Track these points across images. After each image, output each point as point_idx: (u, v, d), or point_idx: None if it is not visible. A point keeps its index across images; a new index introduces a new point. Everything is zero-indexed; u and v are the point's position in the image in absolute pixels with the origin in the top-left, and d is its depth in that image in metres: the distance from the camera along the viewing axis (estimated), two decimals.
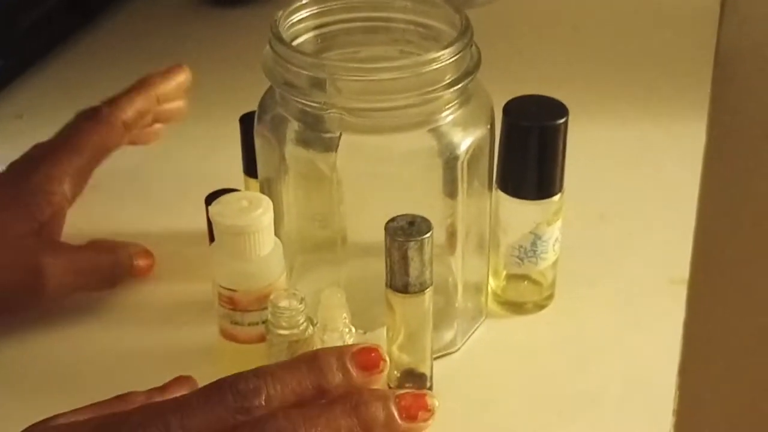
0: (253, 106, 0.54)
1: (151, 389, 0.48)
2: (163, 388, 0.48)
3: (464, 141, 0.50)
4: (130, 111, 0.63)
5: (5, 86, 0.78)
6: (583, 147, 0.67)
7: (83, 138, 0.61)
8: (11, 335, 0.56)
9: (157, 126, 0.67)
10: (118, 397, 0.46)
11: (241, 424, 0.39)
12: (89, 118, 0.62)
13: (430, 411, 0.42)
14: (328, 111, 0.49)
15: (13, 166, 0.60)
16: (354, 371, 0.41)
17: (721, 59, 0.82)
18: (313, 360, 0.41)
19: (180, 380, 0.49)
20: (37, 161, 0.60)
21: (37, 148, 0.61)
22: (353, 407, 0.40)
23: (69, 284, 0.55)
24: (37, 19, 0.80)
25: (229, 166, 0.61)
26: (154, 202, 0.67)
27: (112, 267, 0.57)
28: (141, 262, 0.59)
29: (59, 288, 0.55)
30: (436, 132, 0.50)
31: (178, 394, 0.43)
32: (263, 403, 0.40)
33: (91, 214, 0.66)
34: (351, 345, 0.43)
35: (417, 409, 0.41)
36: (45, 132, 0.74)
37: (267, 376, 0.40)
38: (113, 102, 0.63)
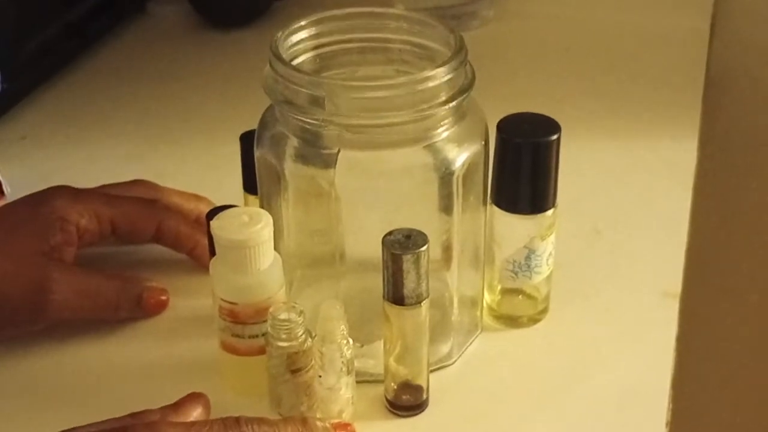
0: (252, 125, 0.55)
1: (164, 407, 0.49)
2: (176, 406, 0.49)
3: (459, 157, 0.51)
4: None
5: (10, 109, 0.79)
6: (577, 163, 0.68)
7: (123, 197, 0.60)
8: (18, 350, 0.57)
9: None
10: (133, 415, 0.47)
11: None
12: (142, 199, 0.61)
13: None
14: (327, 128, 0.50)
15: (43, 191, 0.60)
16: None
17: (711, 79, 0.83)
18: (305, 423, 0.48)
19: (193, 398, 0.50)
20: (64, 190, 0.59)
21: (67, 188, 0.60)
22: None
23: (73, 303, 0.56)
24: (40, 43, 0.82)
25: (230, 184, 0.62)
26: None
27: (118, 293, 0.57)
28: (152, 298, 0.58)
29: (63, 305, 0.55)
30: (432, 148, 0.51)
31: (191, 412, 0.45)
32: None
33: None
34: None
35: None
36: (48, 153, 0.76)
37: (274, 426, 0.47)
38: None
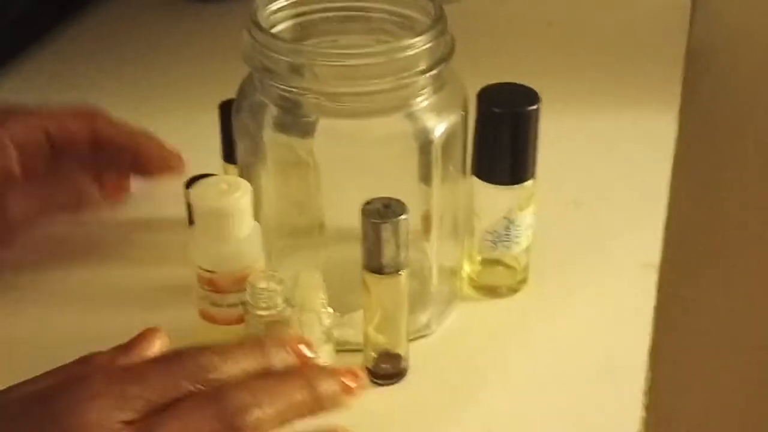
0: (231, 95, 0.55)
1: (115, 348, 0.45)
2: (128, 346, 0.45)
3: (438, 126, 0.51)
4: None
5: None
6: (558, 135, 0.68)
7: (55, 108, 0.60)
8: None
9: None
10: (80, 360, 0.44)
11: (202, 393, 0.40)
12: None
13: (360, 382, 0.44)
14: (306, 96, 0.50)
15: None
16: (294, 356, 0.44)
17: (692, 52, 0.84)
18: (261, 345, 0.43)
19: (147, 334, 0.46)
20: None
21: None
22: (307, 383, 0.42)
23: (31, 209, 0.56)
24: (18, 14, 0.81)
25: (209, 154, 0.62)
26: (135, 187, 0.67)
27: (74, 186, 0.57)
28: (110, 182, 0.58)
29: (23, 215, 0.55)
30: (411, 116, 0.51)
31: (146, 351, 0.44)
32: (222, 376, 0.41)
33: None
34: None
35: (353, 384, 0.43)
36: None
37: (224, 352, 0.42)
38: None
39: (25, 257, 0.62)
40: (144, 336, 0.45)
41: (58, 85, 0.80)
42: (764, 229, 1.00)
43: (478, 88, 0.55)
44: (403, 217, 0.48)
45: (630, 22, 0.88)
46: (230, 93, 0.55)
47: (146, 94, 0.78)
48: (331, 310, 0.51)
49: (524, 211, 0.56)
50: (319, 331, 0.50)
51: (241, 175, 0.55)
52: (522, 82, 0.55)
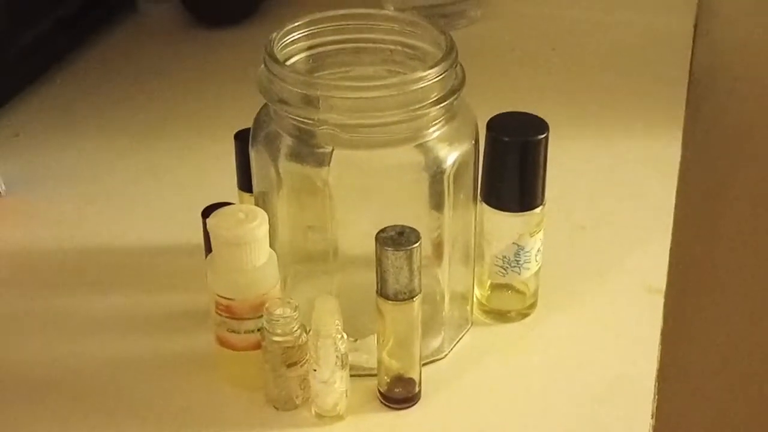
0: (244, 123, 0.56)
1: None
2: None
3: (450, 156, 0.53)
4: None
5: (2, 106, 0.80)
6: (565, 162, 0.70)
7: None
8: (9, 339, 0.58)
9: None
10: None
11: None
12: None
13: None
14: (321, 127, 0.51)
15: None
16: None
17: (695, 77, 0.85)
18: None
19: None
20: None
21: None
22: None
23: None
24: (31, 40, 0.82)
25: (224, 182, 0.63)
26: (152, 216, 0.69)
27: None
28: None
29: None
30: (423, 147, 0.52)
31: None
32: None
33: (90, 226, 0.68)
34: None
35: None
36: (41, 150, 0.77)
37: None
38: None
39: (41, 284, 0.63)
40: None
41: (70, 112, 0.81)
42: None
43: (483, 112, 0.56)
44: (416, 245, 0.49)
45: (633, 46, 0.89)
46: (244, 121, 0.56)
47: (160, 121, 0.79)
48: (345, 335, 0.52)
49: (533, 237, 0.58)
50: (334, 356, 0.51)
51: (257, 203, 0.56)
52: (527, 107, 0.57)
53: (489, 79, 0.82)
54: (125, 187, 0.72)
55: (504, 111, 0.57)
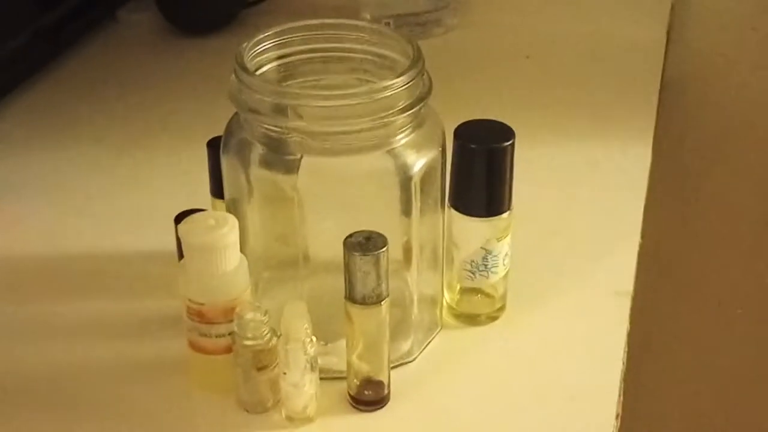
0: (220, 131, 0.57)
1: None
2: None
3: (417, 162, 0.54)
4: None
5: None
6: (535, 166, 0.71)
7: None
8: None
9: None
10: None
11: None
12: None
13: None
14: (290, 135, 0.52)
15: None
16: None
17: (666, 85, 0.86)
18: None
19: None
20: None
21: None
22: None
23: None
24: (11, 50, 0.83)
25: (197, 189, 0.64)
26: (125, 222, 0.70)
27: None
28: None
29: None
30: (392, 154, 0.53)
31: None
32: None
33: (63, 232, 0.69)
34: None
35: None
36: (19, 160, 0.77)
37: None
38: None
39: (13, 291, 0.64)
40: None
41: (49, 121, 0.82)
42: (737, 256, 1.02)
43: (456, 119, 0.57)
44: (383, 249, 0.50)
45: (606, 55, 0.90)
46: (220, 129, 0.57)
47: (138, 130, 0.80)
48: (315, 338, 0.52)
49: (501, 241, 0.59)
50: (304, 359, 0.52)
51: (228, 210, 0.57)
52: (498, 115, 0.58)
53: (462, 87, 0.83)
54: (102, 195, 0.73)
55: (477, 118, 0.58)
